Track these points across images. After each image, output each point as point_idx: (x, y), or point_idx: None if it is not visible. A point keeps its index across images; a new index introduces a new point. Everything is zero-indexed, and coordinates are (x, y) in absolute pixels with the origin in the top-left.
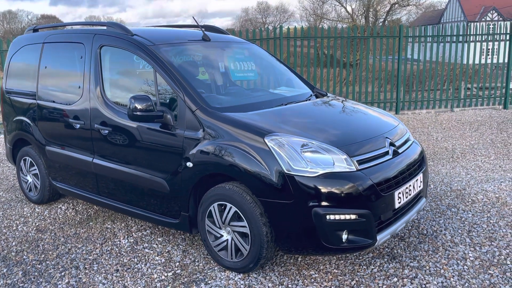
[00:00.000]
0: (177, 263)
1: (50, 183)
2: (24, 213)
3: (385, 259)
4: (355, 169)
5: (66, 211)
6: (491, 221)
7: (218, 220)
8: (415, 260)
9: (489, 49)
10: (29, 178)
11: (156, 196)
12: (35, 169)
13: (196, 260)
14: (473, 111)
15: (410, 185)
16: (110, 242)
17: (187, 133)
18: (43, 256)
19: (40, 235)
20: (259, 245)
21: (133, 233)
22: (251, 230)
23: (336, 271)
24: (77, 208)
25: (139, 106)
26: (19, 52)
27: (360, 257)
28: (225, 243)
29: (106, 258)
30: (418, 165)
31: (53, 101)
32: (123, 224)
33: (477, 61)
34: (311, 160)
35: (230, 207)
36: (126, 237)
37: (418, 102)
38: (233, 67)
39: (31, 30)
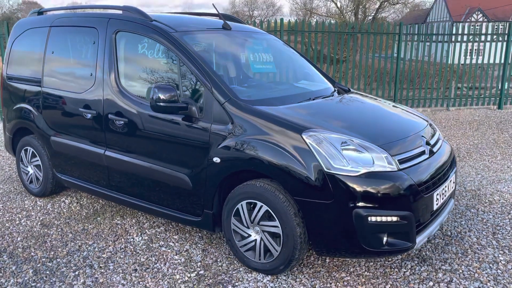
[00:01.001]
0: (199, 263)
1: (54, 175)
2: (26, 206)
3: (415, 262)
4: (397, 169)
5: (70, 205)
6: None
7: (246, 219)
8: (446, 263)
9: (481, 49)
10: (30, 170)
11: (176, 193)
12: (37, 160)
13: (219, 260)
14: (468, 110)
15: (445, 186)
16: (123, 240)
17: (214, 127)
18: (52, 253)
19: (46, 230)
20: (292, 246)
21: (146, 230)
22: (283, 230)
23: (368, 273)
24: (81, 202)
25: (162, 96)
26: (22, 36)
27: (390, 260)
28: (253, 243)
29: (121, 256)
30: (450, 165)
31: (61, 89)
32: (133, 220)
33: (468, 61)
34: (351, 159)
35: (261, 206)
36: (139, 234)
37: (415, 100)
38: (253, 59)
39: (35, 13)
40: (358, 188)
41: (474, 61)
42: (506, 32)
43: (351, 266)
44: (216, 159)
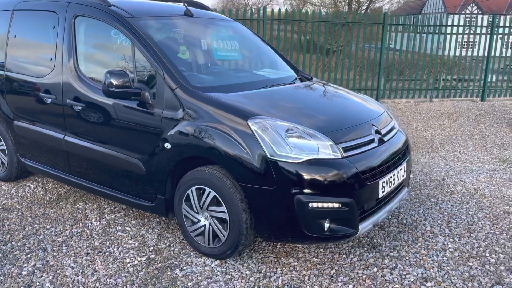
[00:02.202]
0: (152, 248)
1: (18, 160)
2: None
3: (365, 249)
4: (340, 157)
5: (35, 189)
6: (470, 212)
7: (196, 204)
8: (395, 250)
9: (470, 42)
10: None
11: (131, 178)
12: (2, 145)
13: (172, 244)
14: (451, 102)
15: (394, 174)
16: (81, 224)
17: (165, 113)
18: (8, 236)
19: (6, 214)
20: (238, 232)
21: (106, 215)
22: (230, 216)
23: (316, 259)
24: (46, 187)
25: (115, 82)
26: None
27: (340, 246)
28: (203, 228)
29: (76, 240)
30: (402, 154)
31: (23, 73)
32: (95, 205)
33: (457, 53)
34: (295, 146)
35: (209, 192)
36: (98, 219)
37: (398, 91)
38: (216, 46)
39: None
40: (300, 175)
41: (464, 54)
42: (490, 25)
43: (300, 252)
44: (167, 145)
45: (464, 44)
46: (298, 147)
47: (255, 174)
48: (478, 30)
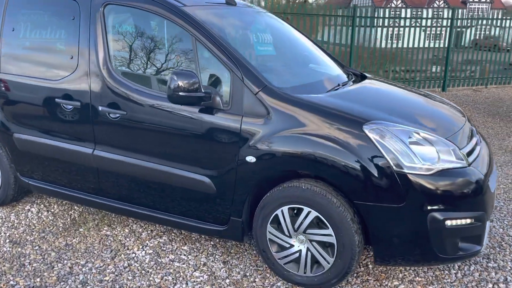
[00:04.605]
0: (227, 280)
1: (17, 179)
2: None
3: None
4: (467, 164)
5: (40, 214)
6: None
7: (288, 227)
8: (489, 259)
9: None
10: None
11: (194, 198)
12: None
13: (247, 274)
14: None
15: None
16: (123, 256)
17: (246, 120)
18: (38, 280)
19: (19, 249)
20: (349, 257)
21: (147, 242)
22: (338, 239)
23: (419, 279)
24: (52, 211)
25: (182, 85)
26: None
27: None
28: (297, 254)
29: (129, 278)
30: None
31: (26, 75)
32: (126, 230)
33: (389, 45)
34: (419, 154)
35: (309, 212)
36: (140, 247)
37: None
38: (256, 39)
39: None
40: (433, 188)
41: (395, 45)
42: (450, 17)
43: (398, 271)
44: (250, 159)
45: (396, 36)
46: (422, 155)
47: (376, 190)
48: (416, 23)
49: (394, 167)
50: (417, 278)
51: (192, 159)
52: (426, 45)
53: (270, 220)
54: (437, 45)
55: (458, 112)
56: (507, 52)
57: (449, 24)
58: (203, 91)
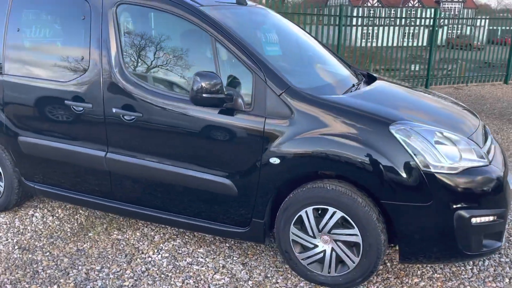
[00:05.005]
0: (249, 282)
1: (21, 183)
2: None
3: None
4: (488, 162)
5: (45, 219)
6: None
7: (312, 227)
8: (502, 254)
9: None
10: None
11: (214, 201)
12: None
13: (269, 274)
14: None
15: None
16: (139, 260)
17: (270, 122)
18: (55, 287)
19: (29, 255)
20: (375, 256)
21: (161, 245)
22: (364, 239)
23: (438, 275)
24: (57, 215)
25: (206, 86)
26: None
27: None
28: (321, 254)
29: (150, 283)
30: None
31: (33, 77)
32: (137, 233)
33: (363, 44)
34: (445, 153)
35: (334, 212)
36: (155, 251)
37: None
38: (264, 39)
39: None
40: (459, 187)
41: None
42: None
43: (415, 268)
44: (274, 160)
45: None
46: (447, 154)
47: (404, 189)
48: (390, 22)
49: (421, 166)
50: (435, 274)
51: (212, 161)
52: (405, 44)
53: (293, 221)
54: (415, 44)
55: (471, 112)
56: (479, 50)
57: (431, 24)
58: (225, 92)
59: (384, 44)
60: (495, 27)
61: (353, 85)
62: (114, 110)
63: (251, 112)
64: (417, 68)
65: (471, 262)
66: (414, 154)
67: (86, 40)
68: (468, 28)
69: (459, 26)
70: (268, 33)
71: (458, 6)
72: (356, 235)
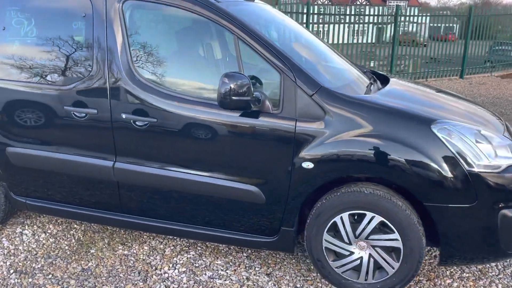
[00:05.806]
0: None
1: (9, 199)
2: None
3: None
4: None
5: (37, 237)
6: None
7: (348, 234)
8: None
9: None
10: None
11: (238, 210)
12: None
13: (298, 285)
14: None
15: None
16: (154, 277)
17: (301, 124)
18: None
19: (29, 280)
20: (416, 260)
21: (175, 259)
22: (405, 243)
23: (466, 274)
24: (50, 232)
25: (235, 88)
26: None
27: None
28: (358, 261)
29: None
30: None
31: (24, 81)
32: (145, 247)
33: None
34: (485, 152)
35: (373, 217)
36: (171, 266)
37: None
38: (269, 36)
39: None
40: (503, 185)
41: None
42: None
43: (443, 268)
44: (307, 164)
45: (356, 33)
46: (488, 153)
47: (448, 190)
48: (378, 20)
49: (465, 166)
50: (464, 274)
51: (237, 168)
52: (355, 41)
53: (327, 228)
54: (362, 41)
55: (488, 111)
56: (424, 46)
57: (393, 20)
58: (253, 94)
59: (335, 42)
60: (437, 24)
61: (371, 83)
62: (124, 115)
63: (279, 114)
64: (373, 64)
65: None
66: (458, 153)
67: (88, 39)
68: (412, 25)
69: (405, 23)
70: (275, 30)
71: (403, 4)
72: (396, 239)
